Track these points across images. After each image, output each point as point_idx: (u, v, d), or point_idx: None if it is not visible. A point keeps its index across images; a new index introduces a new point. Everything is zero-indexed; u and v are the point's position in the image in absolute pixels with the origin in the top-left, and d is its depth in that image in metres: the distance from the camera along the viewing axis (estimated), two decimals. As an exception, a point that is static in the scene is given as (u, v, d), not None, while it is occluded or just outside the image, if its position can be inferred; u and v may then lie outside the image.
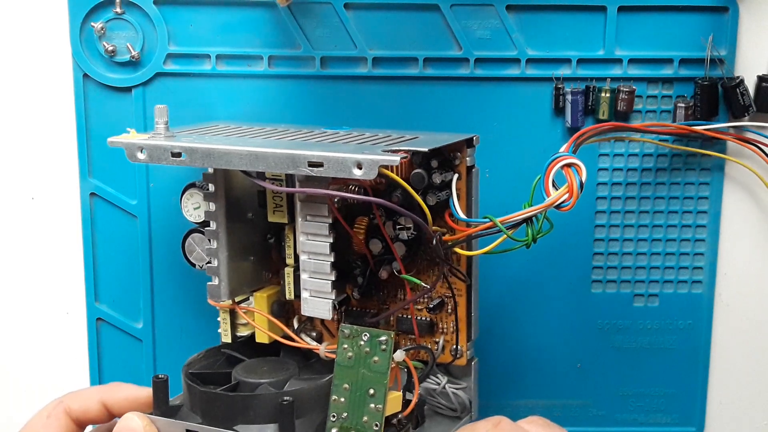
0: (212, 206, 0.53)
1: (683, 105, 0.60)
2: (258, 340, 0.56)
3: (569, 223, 0.62)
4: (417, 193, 0.49)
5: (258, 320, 0.55)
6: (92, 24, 0.59)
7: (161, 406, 0.50)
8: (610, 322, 0.64)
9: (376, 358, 0.48)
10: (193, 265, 0.57)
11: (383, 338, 0.47)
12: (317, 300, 0.52)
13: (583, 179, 0.48)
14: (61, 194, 0.62)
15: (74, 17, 0.59)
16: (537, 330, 0.64)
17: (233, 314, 0.56)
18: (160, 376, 0.51)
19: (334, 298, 0.52)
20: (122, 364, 0.64)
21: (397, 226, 0.52)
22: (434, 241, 0.49)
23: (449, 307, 0.54)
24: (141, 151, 0.49)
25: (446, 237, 0.50)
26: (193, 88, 0.60)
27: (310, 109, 0.60)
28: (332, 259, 0.51)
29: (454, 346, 0.54)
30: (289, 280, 0.55)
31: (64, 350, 0.64)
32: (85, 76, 0.60)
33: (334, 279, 0.52)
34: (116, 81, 0.60)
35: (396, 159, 0.45)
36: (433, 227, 0.50)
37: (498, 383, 0.63)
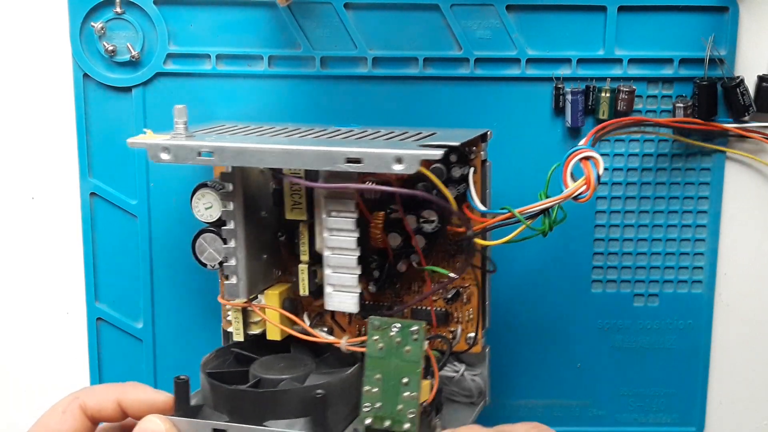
0: (231, 205, 0.53)
1: (682, 105, 0.60)
2: (269, 337, 0.56)
3: (569, 223, 0.62)
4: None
5: (271, 317, 0.56)
6: (92, 24, 0.59)
7: (183, 406, 0.50)
8: (610, 322, 0.64)
9: (408, 348, 0.49)
10: (204, 265, 0.57)
11: (415, 328, 0.48)
12: (342, 294, 0.53)
13: (601, 172, 0.50)
14: (61, 194, 0.62)
15: (74, 17, 0.59)
16: (537, 330, 0.64)
17: (245, 313, 0.56)
18: (181, 377, 0.51)
19: (360, 291, 0.53)
20: (122, 364, 0.64)
21: (421, 219, 0.53)
22: (468, 231, 0.50)
23: (464, 297, 0.55)
24: (165, 152, 0.49)
25: (457, 229, 0.52)
26: (193, 88, 0.60)
27: (310, 109, 0.61)
28: (358, 254, 0.52)
29: (470, 335, 0.55)
30: (303, 276, 0.55)
31: (64, 350, 0.64)
32: (85, 76, 0.60)
33: (360, 273, 0.52)
34: (116, 81, 0.60)
35: (439, 153, 0.46)
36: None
37: (498, 383, 0.63)
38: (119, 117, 0.60)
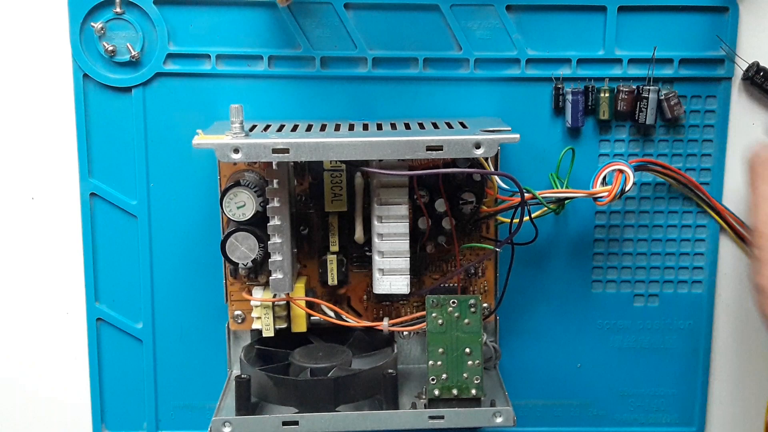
0: (276, 201, 0.54)
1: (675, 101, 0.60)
2: (295, 330, 0.58)
3: (569, 223, 0.62)
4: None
5: (298, 309, 0.58)
6: (92, 24, 0.59)
7: (246, 405, 0.53)
8: (610, 322, 0.64)
9: (467, 320, 0.54)
10: (235, 264, 0.57)
11: (472, 301, 0.54)
12: (393, 277, 0.55)
13: (627, 189, 0.56)
14: (61, 194, 0.62)
15: (74, 17, 0.59)
16: (537, 329, 0.64)
17: (274, 308, 0.58)
18: (242, 376, 0.54)
19: (410, 273, 0.55)
20: (122, 364, 0.64)
21: (461, 201, 0.56)
22: (522, 199, 0.55)
23: (480, 271, 0.61)
24: (235, 152, 0.50)
25: (486, 209, 0.58)
26: (193, 88, 0.60)
27: (310, 109, 0.60)
28: (408, 239, 0.55)
29: (484, 305, 0.60)
30: (332, 266, 0.58)
31: (64, 350, 0.64)
32: (85, 76, 0.60)
33: (410, 256, 0.55)
34: (116, 81, 0.60)
35: (516, 137, 0.51)
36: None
37: (498, 383, 0.63)
38: (119, 117, 0.60)
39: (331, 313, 0.58)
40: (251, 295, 0.58)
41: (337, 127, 0.56)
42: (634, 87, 0.60)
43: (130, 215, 0.62)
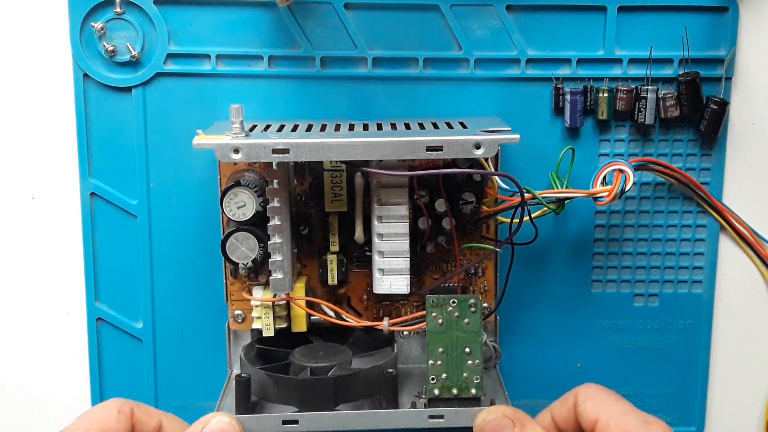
0: (276, 201, 0.54)
1: (672, 101, 0.60)
2: (295, 329, 0.58)
3: (569, 223, 0.62)
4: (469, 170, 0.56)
5: (298, 309, 0.58)
6: (92, 24, 0.59)
7: (246, 404, 0.54)
8: (610, 322, 0.64)
9: (467, 320, 0.54)
10: (235, 264, 0.57)
11: (472, 301, 0.54)
12: (393, 277, 0.55)
13: (627, 188, 0.56)
14: (61, 194, 0.62)
15: (74, 17, 0.59)
16: (537, 329, 0.64)
17: (274, 308, 0.58)
18: (242, 375, 0.54)
19: (410, 273, 0.55)
20: (122, 364, 0.64)
21: (461, 201, 0.56)
22: (522, 199, 0.54)
23: (480, 271, 0.61)
24: (236, 152, 0.50)
25: (486, 209, 0.58)
26: (193, 88, 0.60)
27: (310, 109, 0.60)
28: (408, 239, 0.55)
29: (485, 305, 0.60)
30: (332, 266, 0.59)
31: (64, 350, 0.64)
32: (85, 76, 0.60)
33: (410, 256, 0.55)
34: (116, 81, 0.60)
35: (516, 137, 0.51)
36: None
37: (498, 383, 0.63)
38: (119, 117, 0.60)
39: (331, 313, 0.59)
40: (251, 294, 0.59)
41: (337, 127, 0.56)
42: (633, 87, 0.60)
43: (130, 215, 0.62)
